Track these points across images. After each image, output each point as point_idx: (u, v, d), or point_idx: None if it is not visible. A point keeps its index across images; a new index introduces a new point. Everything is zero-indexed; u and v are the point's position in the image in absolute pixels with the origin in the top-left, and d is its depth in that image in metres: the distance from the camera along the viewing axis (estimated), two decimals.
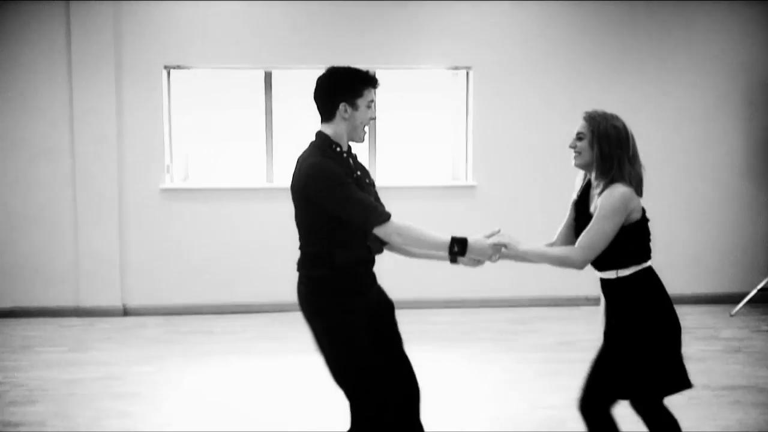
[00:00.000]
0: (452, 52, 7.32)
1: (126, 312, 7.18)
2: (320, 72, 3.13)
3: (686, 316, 6.91)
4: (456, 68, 7.39)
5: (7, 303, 7.11)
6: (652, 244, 3.07)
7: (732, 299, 7.41)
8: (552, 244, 3.25)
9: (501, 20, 7.33)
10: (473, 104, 7.34)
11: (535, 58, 7.39)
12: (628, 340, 2.98)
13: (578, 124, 3.06)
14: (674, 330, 3.00)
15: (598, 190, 3.02)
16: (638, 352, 2.96)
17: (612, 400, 3.09)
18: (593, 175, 3.06)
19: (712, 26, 7.49)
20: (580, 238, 2.99)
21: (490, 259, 3.04)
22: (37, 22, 7.00)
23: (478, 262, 3.10)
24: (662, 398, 3.05)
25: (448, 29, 7.28)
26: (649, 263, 3.03)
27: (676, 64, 7.50)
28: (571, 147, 3.06)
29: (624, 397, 3.06)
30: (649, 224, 3.06)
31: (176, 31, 7.10)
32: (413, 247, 3.15)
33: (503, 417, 4.47)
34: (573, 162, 3.08)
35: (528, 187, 7.42)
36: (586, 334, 6.29)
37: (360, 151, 7.03)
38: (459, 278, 7.19)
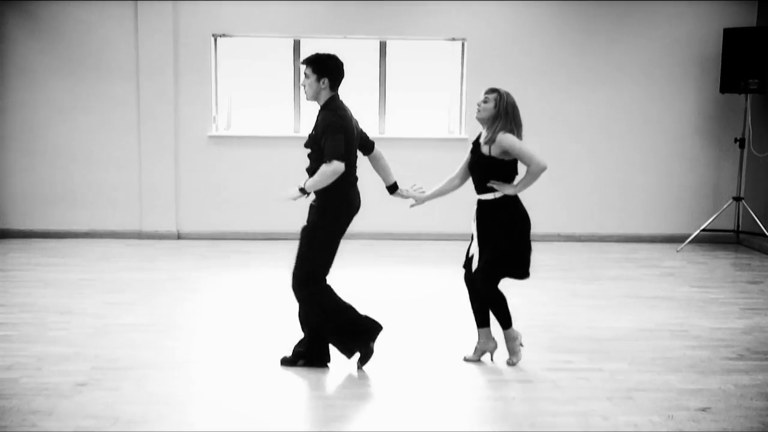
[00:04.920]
0: (450, 26, 8.68)
1: (179, 236, 8.79)
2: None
3: (640, 251, 8.36)
4: (453, 39, 8.77)
5: (84, 227, 8.76)
6: None
7: (681, 239, 8.81)
8: (452, 179, 4.82)
9: None
10: (467, 70, 8.73)
11: (521, 31, 8.74)
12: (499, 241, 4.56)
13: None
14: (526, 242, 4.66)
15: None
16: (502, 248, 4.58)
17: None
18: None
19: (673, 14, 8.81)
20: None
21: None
22: (110, 6, 8.51)
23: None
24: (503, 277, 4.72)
25: (446, 5, 8.60)
26: None
27: (644, 39, 8.82)
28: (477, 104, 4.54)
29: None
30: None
31: (222, 6, 8.55)
32: None
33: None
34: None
35: None
36: (550, 261, 7.77)
37: (371, 107, 8.45)
38: (455, 216, 8.64)
